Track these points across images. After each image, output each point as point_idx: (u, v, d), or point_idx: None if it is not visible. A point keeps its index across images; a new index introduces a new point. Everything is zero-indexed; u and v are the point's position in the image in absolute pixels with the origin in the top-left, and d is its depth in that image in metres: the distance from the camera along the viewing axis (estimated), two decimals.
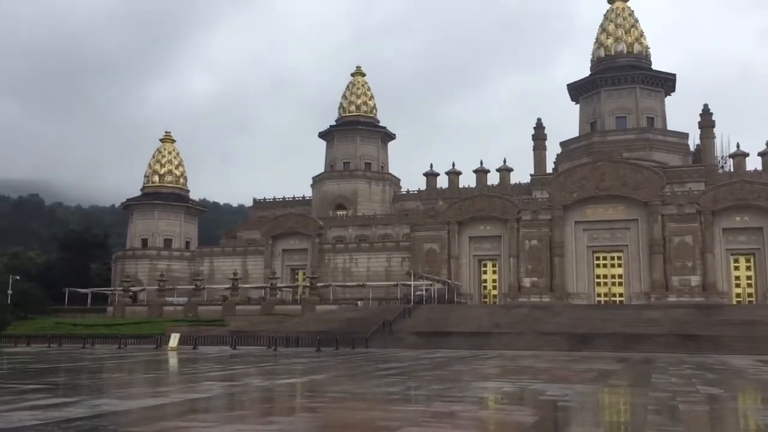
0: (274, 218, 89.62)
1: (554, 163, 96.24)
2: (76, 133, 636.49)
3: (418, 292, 69.26)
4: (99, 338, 53.50)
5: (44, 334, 56.10)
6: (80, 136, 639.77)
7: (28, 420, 12.24)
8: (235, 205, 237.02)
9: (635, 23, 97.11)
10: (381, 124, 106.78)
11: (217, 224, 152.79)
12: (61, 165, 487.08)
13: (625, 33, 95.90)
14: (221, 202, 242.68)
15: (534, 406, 15.57)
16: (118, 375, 25.72)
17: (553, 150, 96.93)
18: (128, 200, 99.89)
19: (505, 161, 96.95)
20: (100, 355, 38.78)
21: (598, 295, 69.66)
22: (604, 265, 70.55)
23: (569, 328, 49.23)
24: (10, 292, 66.60)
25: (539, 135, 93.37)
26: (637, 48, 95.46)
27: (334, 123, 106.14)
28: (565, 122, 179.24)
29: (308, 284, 72.37)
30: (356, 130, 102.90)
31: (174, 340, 46.59)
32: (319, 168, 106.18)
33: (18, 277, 73.94)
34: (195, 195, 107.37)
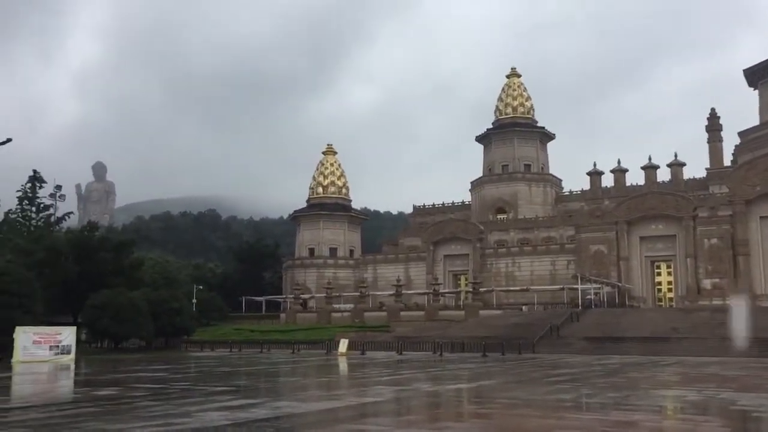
0: (434, 224, 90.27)
1: (732, 155, 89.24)
2: (247, 151, 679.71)
3: (587, 296, 66.83)
4: (274, 343, 56.49)
5: (225, 339, 60.19)
6: (252, 153, 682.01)
7: (219, 420, 13.18)
8: (395, 212, 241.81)
9: None
10: (539, 124, 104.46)
11: (379, 232, 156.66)
12: (235, 181, 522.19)
13: None
14: (381, 210, 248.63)
15: (725, 416, 14.44)
16: (295, 379, 27.01)
17: (729, 142, 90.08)
18: (295, 212, 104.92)
19: (676, 156, 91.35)
20: (276, 359, 40.96)
21: None
22: None
23: (759, 332, 45.26)
24: (194, 300, 72.10)
25: (714, 126, 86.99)
26: None
27: (491, 126, 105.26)
28: (741, 111, 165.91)
29: (471, 289, 72.04)
30: (514, 132, 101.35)
31: (343, 345, 48.07)
32: (478, 172, 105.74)
33: (201, 287, 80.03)
34: (356, 204, 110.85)
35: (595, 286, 67.55)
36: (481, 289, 71.09)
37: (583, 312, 58.64)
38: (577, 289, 67.18)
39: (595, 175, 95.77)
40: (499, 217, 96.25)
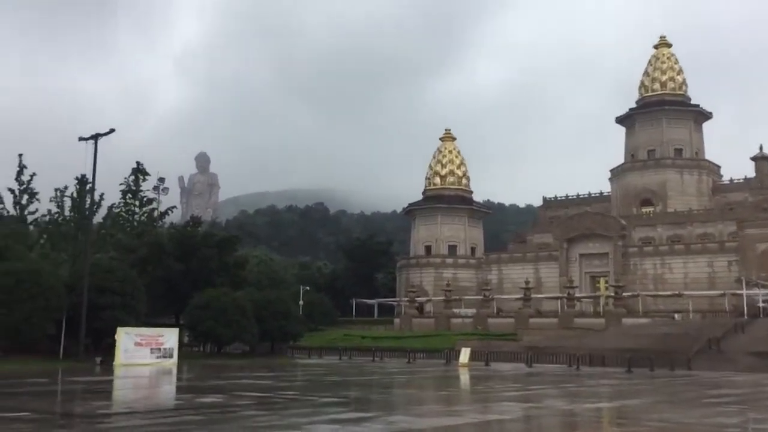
0: (567, 219, 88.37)
1: None
2: (359, 140, 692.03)
3: (755, 304, 63.35)
4: (387, 351, 57.06)
5: (334, 346, 61.44)
6: (363, 142, 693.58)
7: None
8: (522, 205, 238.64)
9: None
10: (693, 102, 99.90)
11: (504, 227, 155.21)
12: (345, 172, 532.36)
13: None
14: (507, 203, 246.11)
15: None
16: (411, 391, 27.13)
17: None
18: (410, 205, 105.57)
19: None
20: (389, 369, 41.36)
21: None
22: None
23: None
24: (301, 302, 74.00)
25: None
26: None
27: (635, 105, 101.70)
28: None
29: (612, 294, 70.08)
30: (662, 111, 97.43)
31: (464, 355, 47.87)
32: (619, 159, 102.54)
33: (308, 288, 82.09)
34: (478, 196, 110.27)
35: (764, 291, 63.95)
36: (623, 294, 68.91)
37: (750, 322, 55.72)
38: (741, 294, 63.81)
39: (761, 160, 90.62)
40: (644, 210, 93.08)
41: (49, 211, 65.73)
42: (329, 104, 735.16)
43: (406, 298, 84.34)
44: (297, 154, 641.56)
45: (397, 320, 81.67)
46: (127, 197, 71.22)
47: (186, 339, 54.96)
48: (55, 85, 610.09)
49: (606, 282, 79.74)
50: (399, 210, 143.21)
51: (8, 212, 64.51)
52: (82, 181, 62.93)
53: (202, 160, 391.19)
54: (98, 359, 41.00)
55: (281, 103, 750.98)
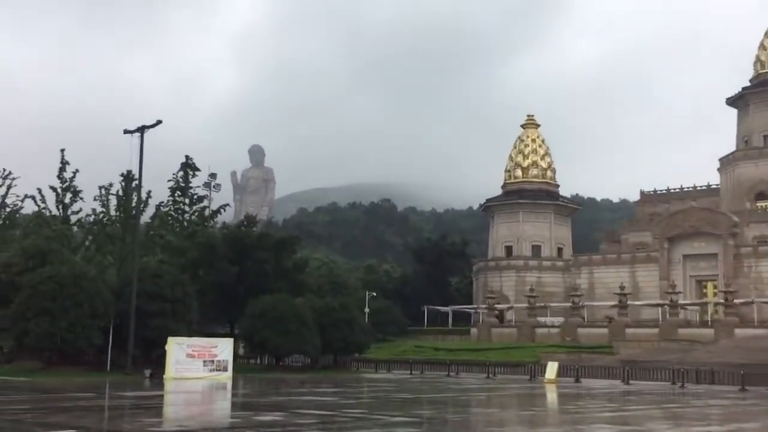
0: (669, 215, 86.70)
1: None
2: (429, 128, 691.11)
3: None
4: (463, 365, 56.90)
5: (404, 358, 61.54)
6: (434, 130, 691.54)
7: None
8: (616, 200, 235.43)
9: None
10: None
11: (595, 225, 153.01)
12: (414, 165, 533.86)
13: None
14: (598, 198, 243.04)
15: None
16: (491, 410, 27.02)
17: None
18: (488, 201, 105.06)
19: None
20: (466, 385, 41.27)
21: None
22: None
23: None
24: (367, 310, 74.44)
25: None
26: None
27: (749, 84, 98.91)
28: None
29: (721, 300, 68.57)
30: None
31: (551, 370, 47.46)
32: (730, 146, 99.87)
33: (374, 294, 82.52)
34: (566, 190, 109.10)
35: None
36: (736, 301, 67.26)
37: None
38: None
39: None
40: (759, 204, 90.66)
41: (94, 210, 67.23)
42: (398, 90, 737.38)
43: (484, 306, 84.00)
44: (361, 146, 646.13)
45: (474, 330, 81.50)
46: (176, 195, 72.57)
47: (241, 350, 55.85)
48: (95, 69, 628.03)
49: (715, 287, 78.29)
50: (475, 206, 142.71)
51: (50, 212, 66.37)
52: (127, 177, 64.07)
53: (257, 154, 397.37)
54: (147, 372, 42.01)
55: (344, 91, 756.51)
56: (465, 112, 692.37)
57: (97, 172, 71.89)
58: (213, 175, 75.89)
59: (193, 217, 72.91)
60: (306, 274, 68.99)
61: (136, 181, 55.08)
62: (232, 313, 57.92)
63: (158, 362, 43.12)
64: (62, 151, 67.81)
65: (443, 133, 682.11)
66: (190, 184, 73.24)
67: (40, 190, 66.55)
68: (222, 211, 75.74)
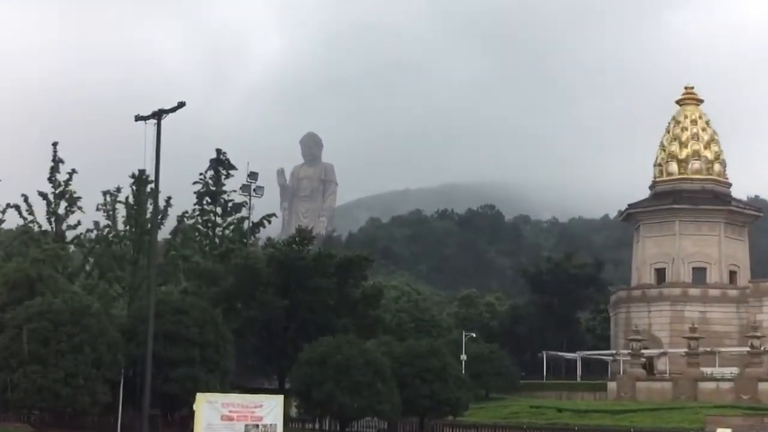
0: None
1: None
2: (544, 109, 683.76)
3: None
4: None
5: (516, 423, 61.16)
6: (551, 111, 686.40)
7: None
8: None
9: None
10: None
11: None
12: (525, 158, 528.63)
13: None
14: None
15: None
16: None
17: None
18: (629, 206, 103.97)
19: None
20: None
21: None
22: None
23: None
24: (464, 357, 74.22)
25: None
26: None
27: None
28: None
29: None
30: None
31: None
32: None
33: (473, 334, 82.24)
34: (739, 191, 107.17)
35: None
36: None
37: None
38: None
39: None
40: None
41: (96, 224, 67.47)
42: (501, 60, 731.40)
43: (625, 351, 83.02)
44: (452, 133, 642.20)
45: (612, 385, 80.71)
46: (204, 202, 73.28)
47: (294, 411, 56.18)
48: (100, 40, 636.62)
49: None
50: (612, 215, 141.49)
51: (40, 226, 66.79)
52: (140, 179, 63.66)
53: (311, 145, 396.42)
54: None
55: (428, 60, 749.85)
56: (593, 86, 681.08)
57: (102, 172, 72.63)
58: (253, 175, 75.73)
59: (227, 231, 73.50)
60: (381, 307, 69.13)
61: (152, 185, 54.98)
62: (282, 361, 58.33)
63: (184, 426, 43.53)
64: (54, 145, 68.13)
65: (564, 115, 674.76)
66: (223, 187, 73.92)
67: (26, 198, 67.24)
68: (266, 223, 76.33)
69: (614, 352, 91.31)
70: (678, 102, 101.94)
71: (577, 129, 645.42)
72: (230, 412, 44.14)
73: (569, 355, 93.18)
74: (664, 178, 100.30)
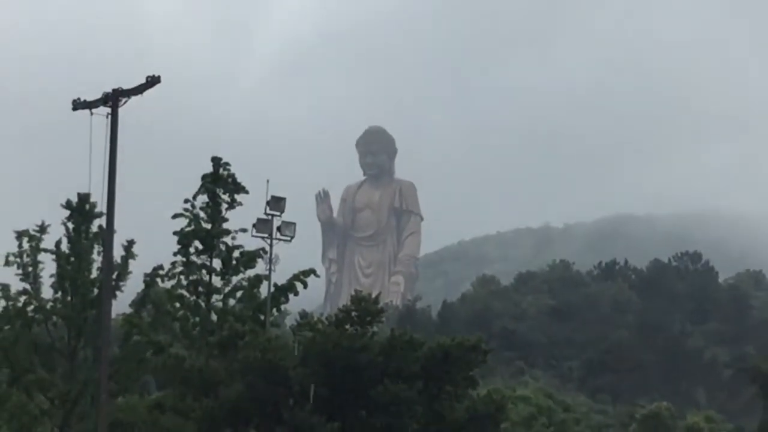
0: None
1: None
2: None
3: None
4: None
5: None
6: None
7: None
8: None
9: None
10: None
11: None
12: (739, 176, 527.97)
13: None
14: None
15: None
16: None
17: None
18: None
19: None
20: None
21: None
22: None
23: None
24: None
25: None
26: None
27: None
28: None
29: None
30: None
31: None
32: None
33: None
34: None
35: None
36: None
37: None
38: None
39: None
40: None
41: (4, 288, 67.60)
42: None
43: None
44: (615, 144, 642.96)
45: None
46: (192, 249, 73.23)
47: None
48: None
49: None
50: None
51: None
52: (81, 209, 63.73)
53: (376, 150, 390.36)
54: None
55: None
56: None
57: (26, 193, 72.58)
58: (277, 202, 74.58)
59: (231, 301, 73.35)
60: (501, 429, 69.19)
61: (101, 219, 55.08)
62: None
63: None
64: None
65: None
66: (225, 224, 73.63)
67: None
68: (299, 286, 75.86)
69: None
70: None
71: None
72: None
73: None
74: None
